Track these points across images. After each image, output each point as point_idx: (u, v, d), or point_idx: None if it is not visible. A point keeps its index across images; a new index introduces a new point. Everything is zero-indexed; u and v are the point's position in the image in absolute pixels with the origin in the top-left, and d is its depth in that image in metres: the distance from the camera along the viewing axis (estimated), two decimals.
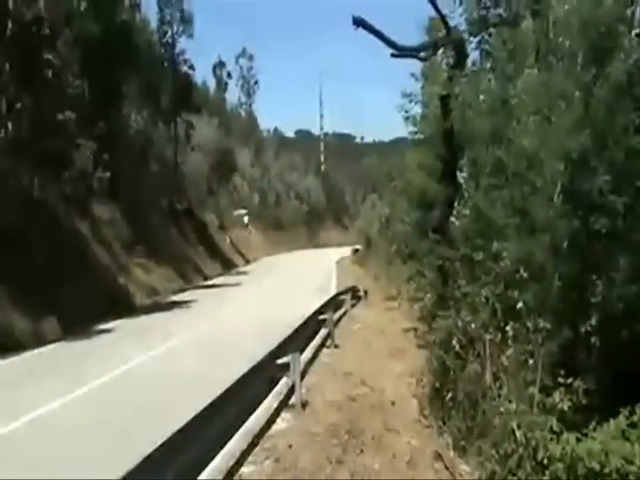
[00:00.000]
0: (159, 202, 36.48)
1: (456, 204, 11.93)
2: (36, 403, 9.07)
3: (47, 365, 12.66)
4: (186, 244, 36.98)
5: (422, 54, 11.84)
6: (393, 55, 10.93)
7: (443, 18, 11.09)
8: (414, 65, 17.10)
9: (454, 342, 7.65)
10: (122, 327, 16.99)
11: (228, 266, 41.29)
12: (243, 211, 56.16)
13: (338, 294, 17.12)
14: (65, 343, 14.83)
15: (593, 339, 6.17)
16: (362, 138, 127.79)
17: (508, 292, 7.36)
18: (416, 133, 16.59)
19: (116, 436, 7.38)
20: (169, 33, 45.15)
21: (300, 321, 11.08)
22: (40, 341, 14.75)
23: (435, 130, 14.46)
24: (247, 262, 46.98)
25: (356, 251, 44.56)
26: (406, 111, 14.47)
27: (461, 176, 12.41)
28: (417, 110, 17.90)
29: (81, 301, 17.33)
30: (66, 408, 9.09)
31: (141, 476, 4.12)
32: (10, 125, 20.23)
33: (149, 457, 4.33)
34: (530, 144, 8.10)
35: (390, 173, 21.14)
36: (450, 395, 7.49)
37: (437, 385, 7.91)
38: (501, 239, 8.05)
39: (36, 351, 13.97)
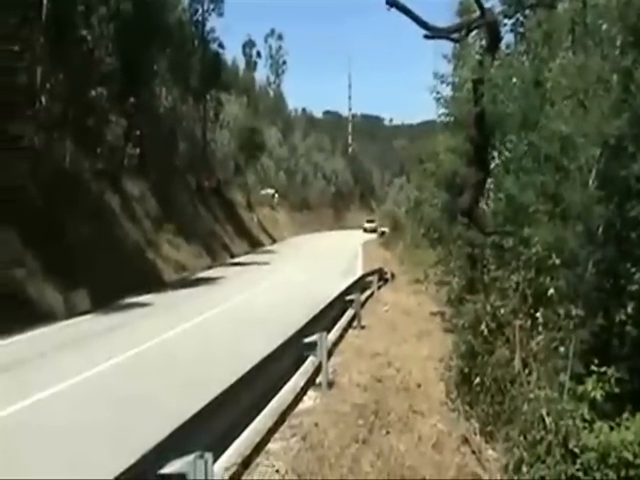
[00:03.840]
0: (187, 180, 36.73)
1: (486, 188, 11.81)
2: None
3: (84, 334, 12.98)
4: (214, 222, 37.24)
5: (455, 35, 11.63)
6: (426, 36, 10.75)
7: None
8: (445, 46, 16.89)
9: (483, 327, 7.60)
10: (152, 301, 17.24)
11: (255, 245, 41.53)
12: (270, 190, 56.31)
13: (365, 276, 17.13)
14: (95, 315, 15.11)
15: (628, 328, 6.08)
16: (391, 120, 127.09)
17: (539, 278, 7.27)
18: (447, 115, 16.43)
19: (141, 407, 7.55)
20: (199, 11, 45.12)
21: (326, 301, 11.15)
22: (71, 313, 15.03)
23: (466, 112, 14.30)
24: (273, 241, 47.18)
25: (382, 234, 44.43)
26: (438, 92, 14.28)
27: (492, 160, 12.27)
28: (448, 92, 17.72)
29: (111, 275, 17.57)
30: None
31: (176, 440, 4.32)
32: (44, 100, 20.47)
33: (181, 427, 4.45)
34: (564, 128, 7.95)
35: (420, 155, 20.97)
36: (478, 380, 7.46)
37: (464, 369, 7.88)
38: (532, 224, 7.95)
39: (70, 321, 14.32)
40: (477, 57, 11.81)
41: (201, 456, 4.40)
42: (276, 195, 56.74)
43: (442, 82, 15.71)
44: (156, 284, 20.56)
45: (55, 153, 20.39)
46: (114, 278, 17.63)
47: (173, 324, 13.02)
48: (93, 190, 21.50)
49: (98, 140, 23.71)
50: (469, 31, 11.01)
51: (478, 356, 7.69)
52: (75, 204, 18.69)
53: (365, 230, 57.51)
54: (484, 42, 12.73)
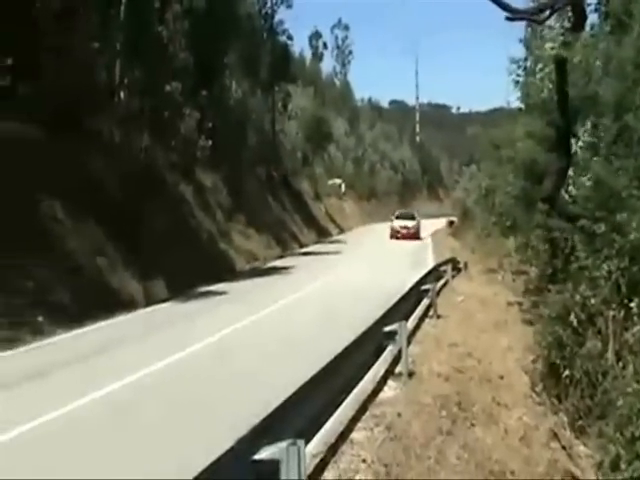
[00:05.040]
0: (257, 170, 37.13)
1: (570, 173, 11.38)
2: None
3: (167, 319, 13.51)
4: (283, 212, 37.55)
5: (538, 16, 11.21)
6: (508, 18, 10.39)
7: None
8: (518, 30, 16.35)
9: (572, 317, 7.32)
10: (227, 289, 17.53)
11: (323, 234, 41.65)
12: (338, 180, 56.27)
13: (438, 265, 16.87)
14: (174, 303, 15.51)
15: None
16: (458, 108, 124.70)
17: (634, 267, 6.93)
18: (525, 99, 15.93)
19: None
20: (268, 3, 45.40)
21: (401, 290, 11.07)
22: (149, 301, 15.48)
23: (547, 96, 13.79)
24: (341, 231, 47.18)
25: (451, 223, 43.70)
26: (518, 75, 13.87)
27: (576, 144, 11.80)
28: (523, 76, 17.15)
29: (185, 264, 17.94)
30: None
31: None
32: (122, 95, 21.08)
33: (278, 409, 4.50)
34: None
35: (495, 142, 20.43)
36: (566, 372, 7.20)
37: (551, 361, 7.62)
38: (625, 210, 7.58)
39: (149, 309, 14.81)
40: (560, 38, 11.37)
41: (294, 443, 4.39)
42: (343, 185, 56.65)
43: (519, 67, 15.25)
44: (229, 273, 20.91)
45: (132, 146, 20.96)
46: (189, 267, 18.00)
47: (252, 311, 13.28)
48: (168, 182, 22.03)
49: (172, 133, 24.21)
50: (553, 11, 10.59)
51: (566, 348, 7.43)
52: (152, 196, 19.15)
53: (396, 234, 36.79)
54: (567, 23, 12.27)
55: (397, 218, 38.84)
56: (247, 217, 28.65)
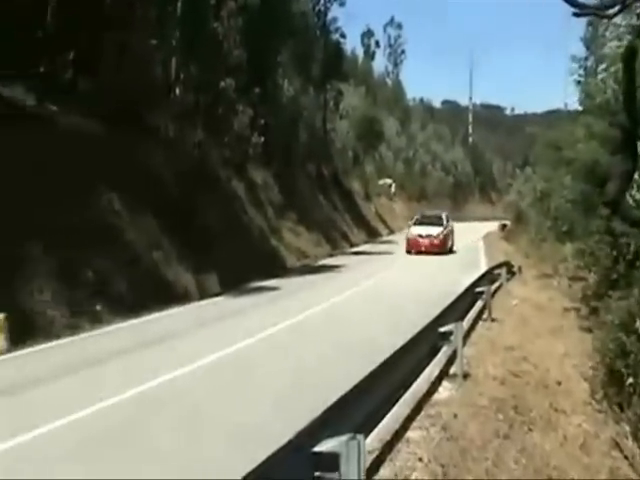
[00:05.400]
0: (307, 168, 37.25)
1: (635, 177, 11.01)
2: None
3: (222, 313, 13.68)
4: (333, 211, 37.56)
5: (606, 12, 10.87)
6: (575, 14, 10.11)
7: None
8: (578, 29, 15.91)
9: (637, 324, 7.07)
10: (278, 285, 17.65)
11: (373, 235, 41.49)
12: (389, 180, 55.97)
13: (492, 268, 16.58)
14: (226, 297, 15.69)
15: None
16: (512, 110, 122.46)
17: None
18: (586, 100, 15.52)
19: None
20: (321, 1, 45.45)
21: (454, 291, 10.91)
22: (203, 295, 15.69)
23: (611, 96, 13.40)
24: (391, 232, 46.89)
25: (504, 226, 42.91)
26: (579, 75, 13.52)
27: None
28: (584, 76, 16.70)
29: (237, 259, 18.13)
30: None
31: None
32: (178, 91, 21.44)
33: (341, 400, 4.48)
34: None
35: (553, 143, 19.95)
36: (630, 380, 6.96)
37: (614, 369, 7.38)
38: None
39: (203, 302, 15.05)
40: (627, 36, 11.02)
41: (353, 437, 4.37)
42: (394, 185, 56.32)
43: (580, 66, 14.85)
44: (280, 269, 21.04)
45: (186, 141, 21.30)
46: (240, 262, 18.18)
47: (304, 307, 13.38)
48: (221, 177, 22.30)
49: (226, 129, 24.51)
50: (623, 7, 10.26)
51: (630, 355, 7.18)
52: (205, 191, 19.43)
53: (413, 247, 27.03)
54: (635, 20, 11.88)
55: (417, 223, 28.35)
56: (298, 215, 28.77)
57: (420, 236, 27.01)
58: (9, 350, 9.33)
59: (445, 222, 28.50)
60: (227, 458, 5.38)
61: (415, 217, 30.27)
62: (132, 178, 15.46)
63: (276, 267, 21.04)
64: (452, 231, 29.08)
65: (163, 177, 17.69)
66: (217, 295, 15.86)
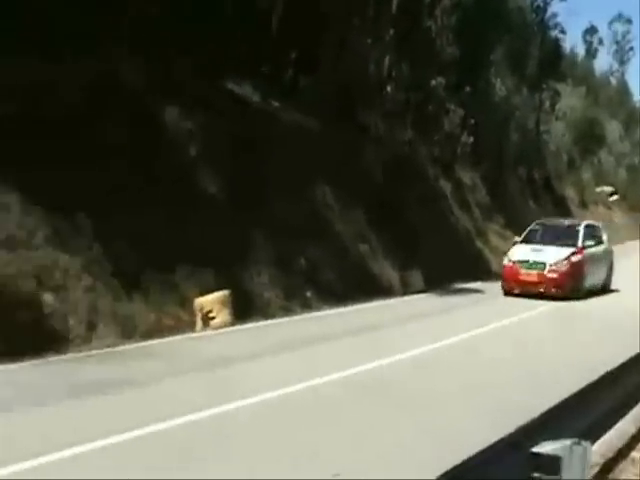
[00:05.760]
0: (517, 171, 35.72)
1: None
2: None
3: (431, 309, 13.64)
4: (543, 217, 35.53)
5: None
6: None
7: None
8: None
9: None
10: (483, 288, 17.08)
11: None
12: (607, 188, 51.59)
13: None
14: (430, 295, 15.55)
15: None
16: None
17: None
18: None
19: None
20: None
21: None
22: (406, 290, 15.71)
23: None
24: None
25: None
26: None
27: None
28: None
29: (441, 259, 17.83)
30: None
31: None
32: (389, 89, 21.71)
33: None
34: None
35: None
36: None
37: None
38: None
39: (407, 298, 15.12)
40: None
41: (578, 443, 3.97)
42: (614, 195, 51.79)
43: None
44: (485, 273, 20.31)
45: (396, 139, 21.49)
46: (445, 262, 17.86)
47: (510, 312, 12.88)
48: (429, 176, 22.17)
49: (435, 128, 24.33)
50: None
51: None
52: (413, 188, 19.45)
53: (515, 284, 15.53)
54: None
55: (526, 241, 16.78)
56: (505, 218, 27.64)
57: (524, 264, 15.66)
58: (232, 324, 10.15)
59: (582, 240, 16.26)
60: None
61: (529, 228, 17.78)
62: (344, 173, 15.96)
63: (480, 270, 20.36)
64: (606, 257, 17.45)
65: (373, 173, 18.02)
66: (421, 292, 15.75)
